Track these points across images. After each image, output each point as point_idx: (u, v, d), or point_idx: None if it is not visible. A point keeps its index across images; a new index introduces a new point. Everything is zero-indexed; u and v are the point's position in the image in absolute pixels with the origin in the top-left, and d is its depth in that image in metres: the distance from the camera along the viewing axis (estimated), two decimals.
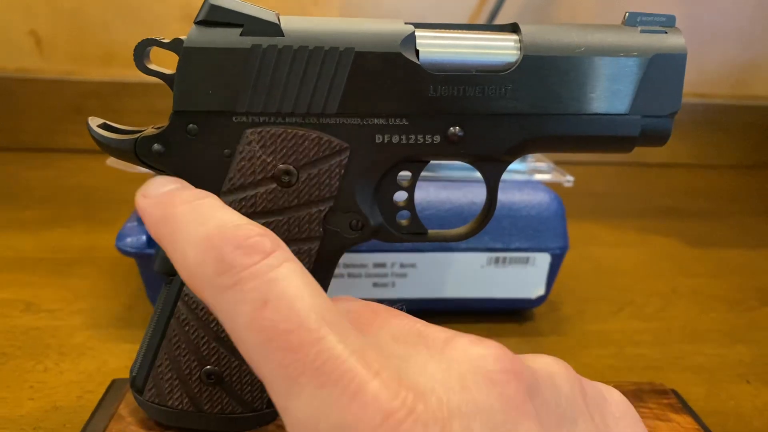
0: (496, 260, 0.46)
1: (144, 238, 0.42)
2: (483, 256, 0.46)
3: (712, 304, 0.55)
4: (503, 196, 0.45)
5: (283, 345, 0.18)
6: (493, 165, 0.31)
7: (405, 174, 0.31)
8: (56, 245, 0.59)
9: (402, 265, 0.45)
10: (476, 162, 0.31)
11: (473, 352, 0.20)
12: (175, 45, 0.27)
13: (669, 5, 0.93)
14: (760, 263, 0.65)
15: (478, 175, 0.32)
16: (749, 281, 0.60)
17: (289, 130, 0.28)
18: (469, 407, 0.18)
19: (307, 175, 0.29)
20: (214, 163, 0.28)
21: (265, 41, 0.27)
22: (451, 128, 0.29)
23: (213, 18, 0.27)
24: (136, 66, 0.28)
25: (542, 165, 0.51)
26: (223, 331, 0.29)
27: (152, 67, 0.28)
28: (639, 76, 0.29)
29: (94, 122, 0.29)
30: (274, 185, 0.28)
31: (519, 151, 0.30)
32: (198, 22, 0.27)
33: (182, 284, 0.30)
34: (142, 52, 0.28)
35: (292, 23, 0.28)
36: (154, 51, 0.29)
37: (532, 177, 0.49)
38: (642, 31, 0.30)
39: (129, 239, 0.42)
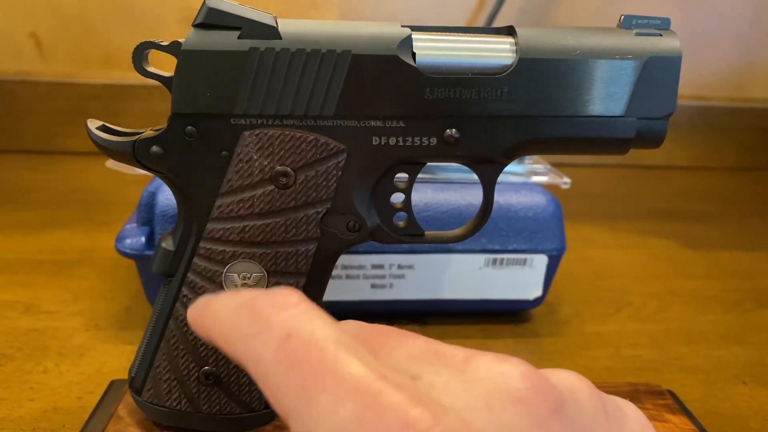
0: (494, 262, 0.46)
1: (143, 239, 0.43)
2: (480, 258, 0.46)
3: (709, 305, 0.55)
4: (501, 197, 0.46)
5: (305, 368, 0.19)
6: (489, 167, 0.31)
7: (402, 176, 0.31)
8: (56, 247, 0.59)
9: (400, 267, 0.45)
10: (473, 164, 0.31)
11: (497, 369, 0.19)
12: (173, 48, 0.28)
13: (667, 8, 0.93)
14: (758, 265, 0.65)
15: (475, 176, 0.32)
16: (746, 283, 0.60)
17: (287, 132, 0.28)
18: (494, 427, 0.18)
19: (304, 177, 0.29)
20: (212, 164, 0.29)
21: (262, 44, 0.28)
22: (448, 130, 0.29)
23: (211, 21, 0.28)
24: (134, 69, 0.28)
25: (539, 167, 0.51)
26: None
27: (151, 69, 0.29)
28: (634, 78, 0.30)
29: (93, 124, 0.29)
30: (271, 187, 0.29)
31: (515, 152, 0.31)
32: (196, 25, 0.28)
33: (181, 285, 0.30)
34: (140, 54, 0.28)
35: (289, 26, 0.28)
36: (153, 54, 0.29)
37: (529, 179, 0.50)
38: (637, 34, 0.30)
39: (128, 241, 0.43)
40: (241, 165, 0.28)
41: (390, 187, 0.31)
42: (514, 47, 0.29)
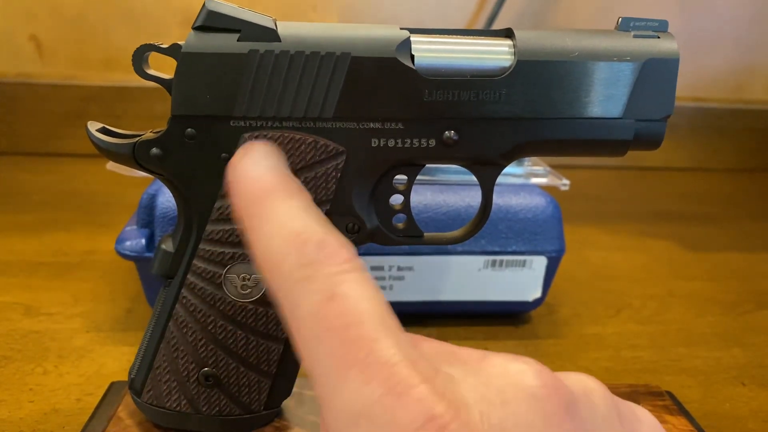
0: (493, 263, 0.46)
1: (143, 241, 0.43)
2: (480, 260, 0.46)
3: (708, 307, 0.55)
4: (500, 199, 0.46)
5: (341, 336, 0.19)
6: (488, 168, 0.31)
7: (401, 177, 0.31)
8: (56, 249, 0.59)
9: (399, 268, 0.45)
10: (471, 165, 0.31)
11: (512, 368, 0.20)
12: (173, 50, 0.28)
13: (667, 11, 0.93)
14: (757, 267, 0.65)
15: (474, 178, 0.32)
16: (745, 285, 0.60)
17: (286, 134, 0.29)
18: (509, 422, 0.18)
19: (303, 179, 0.29)
20: (212, 166, 0.29)
21: (262, 46, 0.28)
22: (446, 132, 0.29)
23: (211, 23, 0.28)
24: (134, 71, 0.28)
25: (539, 169, 0.51)
26: (221, 332, 0.30)
27: (151, 72, 0.29)
28: (632, 80, 0.30)
29: (93, 126, 0.30)
30: None
31: (513, 154, 0.31)
32: (196, 28, 0.28)
33: (180, 286, 0.30)
34: (140, 57, 0.28)
35: (288, 28, 0.28)
36: (153, 56, 0.29)
37: (528, 181, 0.50)
38: (635, 36, 0.30)
39: (128, 243, 0.43)
40: None
41: (389, 188, 0.31)
42: (513, 49, 0.29)
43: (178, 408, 0.30)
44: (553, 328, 0.50)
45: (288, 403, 0.33)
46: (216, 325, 0.30)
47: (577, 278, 0.59)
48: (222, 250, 0.29)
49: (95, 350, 0.43)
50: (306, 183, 0.29)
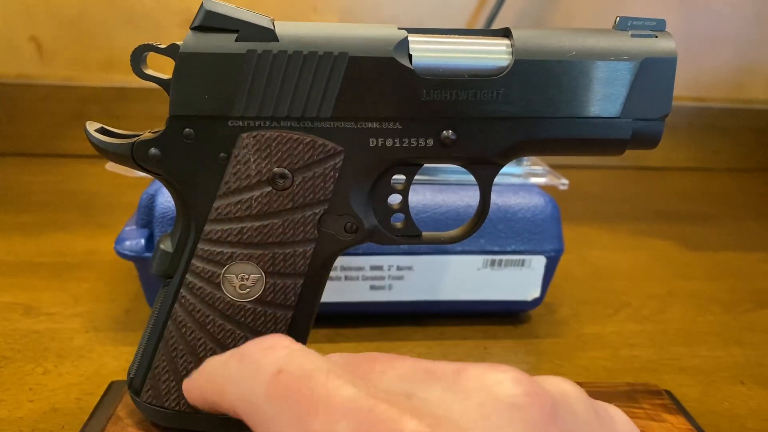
0: (492, 263, 0.46)
1: (142, 241, 0.43)
2: (479, 259, 0.46)
3: (707, 306, 0.55)
4: (499, 199, 0.46)
5: (297, 398, 0.19)
6: (486, 168, 0.31)
7: (399, 177, 0.31)
8: (56, 249, 0.59)
9: (399, 268, 0.45)
10: (469, 165, 0.31)
11: (489, 378, 0.20)
12: (171, 50, 0.28)
13: (666, 10, 0.93)
14: (756, 266, 0.65)
15: (473, 178, 0.32)
16: (744, 284, 0.60)
17: (284, 134, 0.29)
18: None
19: (301, 179, 0.29)
20: (210, 166, 0.29)
21: (260, 46, 0.28)
22: (444, 132, 0.29)
23: (209, 24, 0.28)
24: (133, 71, 0.28)
25: (537, 168, 0.51)
26: (220, 332, 0.30)
27: (149, 72, 0.29)
28: (630, 79, 0.30)
29: (91, 127, 0.30)
30: (269, 188, 0.29)
31: (511, 154, 0.31)
32: (194, 28, 0.28)
33: (179, 286, 0.30)
34: (139, 57, 0.28)
35: (286, 28, 0.28)
36: (152, 56, 0.29)
37: (527, 180, 0.50)
38: (633, 36, 0.30)
39: (128, 243, 0.43)
40: (238, 167, 0.29)
41: (387, 188, 0.31)
42: (510, 49, 0.29)
43: (177, 407, 0.30)
44: (552, 327, 0.50)
45: None
46: (214, 324, 0.30)
47: (576, 278, 0.59)
48: (220, 249, 0.29)
49: (95, 350, 0.43)
50: (304, 183, 0.29)
